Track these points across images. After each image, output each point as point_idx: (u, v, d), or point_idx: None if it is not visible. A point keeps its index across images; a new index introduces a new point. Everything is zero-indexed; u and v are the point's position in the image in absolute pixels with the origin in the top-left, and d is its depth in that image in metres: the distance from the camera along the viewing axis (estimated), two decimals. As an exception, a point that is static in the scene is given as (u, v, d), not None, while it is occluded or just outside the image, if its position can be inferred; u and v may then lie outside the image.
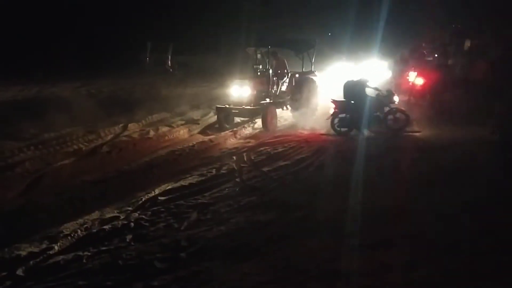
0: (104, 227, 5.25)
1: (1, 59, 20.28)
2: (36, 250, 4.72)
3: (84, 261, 4.40)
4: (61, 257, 4.54)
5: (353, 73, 17.58)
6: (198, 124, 12.08)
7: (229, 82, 11.90)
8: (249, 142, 9.88)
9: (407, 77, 12.49)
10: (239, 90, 11.39)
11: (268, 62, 12.26)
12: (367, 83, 10.09)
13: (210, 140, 10.03)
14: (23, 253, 4.65)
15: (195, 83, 19.51)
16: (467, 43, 15.26)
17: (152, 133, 10.97)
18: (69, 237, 5.03)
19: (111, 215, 5.66)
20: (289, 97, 12.25)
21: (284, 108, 12.34)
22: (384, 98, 9.99)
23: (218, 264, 4.18)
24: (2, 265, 4.40)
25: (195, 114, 13.31)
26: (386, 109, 10.01)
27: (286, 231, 4.84)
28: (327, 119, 10.33)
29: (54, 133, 10.52)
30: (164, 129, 11.46)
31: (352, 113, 9.93)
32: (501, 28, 14.08)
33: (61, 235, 5.08)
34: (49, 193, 6.69)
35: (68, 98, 15.03)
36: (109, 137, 10.54)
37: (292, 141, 9.36)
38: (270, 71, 11.82)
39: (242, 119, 12.07)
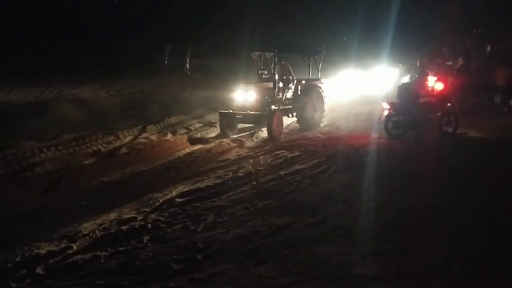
0: (122, 227, 5.30)
1: (23, 61, 20.64)
2: (55, 249, 4.79)
3: (102, 261, 4.45)
4: (79, 256, 4.59)
5: (362, 80, 17.51)
6: (215, 127, 12.12)
7: (233, 86, 11.54)
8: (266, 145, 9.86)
9: (427, 82, 12.29)
10: (244, 95, 10.99)
11: (273, 67, 11.90)
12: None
13: (227, 143, 10.06)
14: (43, 251, 4.72)
15: (212, 86, 19.59)
16: (488, 48, 15.05)
17: (170, 135, 11.05)
18: (87, 237, 5.09)
19: (129, 216, 5.71)
20: (295, 104, 11.78)
21: (290, 115, 11.88)
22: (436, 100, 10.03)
23: (234, 266, 4.18)
24: (23, 263, 4.48)
25: (213, 117, 13.36)
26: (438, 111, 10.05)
27: (302, 235, 4.82)
28: (381, 121, 10.19)
29: (73, 134, 10.67)
30: (182, 131, 11.53)
31: (406, 115, 9.87)
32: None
33: (80, 234, 5.14)
34: (68, 193, 6.78)
35: (87, 100, 15.24)
36: (127, 139, 10.65)
37: (309, 144, 9.33)
38: (276, 76, 11.43)
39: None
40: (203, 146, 9.91)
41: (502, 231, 4.69)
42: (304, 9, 26.43)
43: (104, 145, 9.99)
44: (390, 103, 10.10)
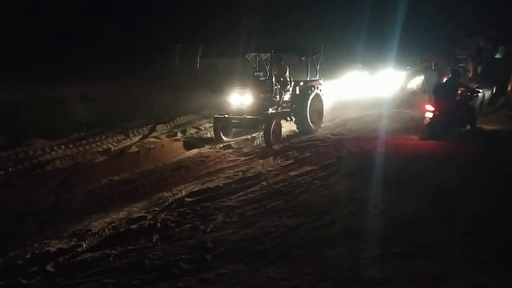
0: (131, 226, 5.31)
1: (34, 60, 20.81)
2: (65, 246, 4.81)
3: (111, 259, 4.46)
4: (88, 254, 4.61)
5: (368, 83, 17.38)
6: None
7: (228, 89, 11.05)
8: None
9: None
10: (239, 99, 10.52)
11: (269, 68, 11.29)
12: (461, 82, 10.28)
13: (236, 143, 10.05)
14: (53, 249, 4.75)
15: (223, 86, 19.59)
16: (501, 49, 14.92)
17: (179, 134, 11.06)
18: (97, 235, 5.11)
19: (139, 214, 5.72)
20: (293, 106, 11.29)
21: (288, 119, 11.36)
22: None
23: (243, 267, 4.16)
24: (33, 261, 4.51)
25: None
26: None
27: (312, 237, 4.79)
28: (425, 123, 9.97)
29: (84, 132, 10.75)
30: (192, 131, 11.54)
31: (450, 115, 9.83)
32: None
33: (89, 233, 5.16)
34: (78, 192, 6.82)
35: (98, 98, 15.29)
36: (137, 138, 10.70)
37: (320, 145, 9.29)
38: (273, 78, 10.86)
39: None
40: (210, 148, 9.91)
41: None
42: (311, 11, 26.40)
43: (114, 143, 10.04)
44: (434, 104, 9.93)
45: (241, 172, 7.51)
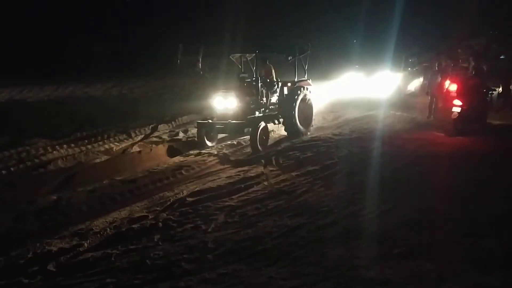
0: (133, 226, 5.31)
1: (37, 59, 20.85)
2: (66, 246, 4.82)
3: (113, 259, 4.46)
4: (90, 254, 4.61)
5: (364, 84, 17.27)
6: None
7: (212, 93, 10.52)
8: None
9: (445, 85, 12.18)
10: (224, 102, 9.92)
11: (255, 70, 10.79)
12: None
13: (239, 143, 10.04)
14: (54, 248, 4.75)
15: (225, 85, 19.59)
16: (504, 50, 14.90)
17: (181, 134, 11.06)
18: (98, 235, 5.12)
19: (140, 214, 5.72)
20: (281, 109, 10.74)
21: (276, 121, 10.77)
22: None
23: (244, 267, 4.16)
24: (34, 260, 4.51)
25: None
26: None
27: (314, 237, 4.78)
28: (453, 117, 10.16)
29: (86, 132, 10.76)
30: (193, 130, 11.54)
31: (476, 109, 10.27)
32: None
33: (91, 232, 5.17)
34: (80, 191, 6.82)
35: (100, 98, 15.34)
36: (139, 138, 10.70)
37: (322, 145, 9.28)
38: (259, 80, 10.33)
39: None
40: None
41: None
42: (310, 12, 26.38)
43: (116, 143, 10.05)
44: (462, 99, 10.18)
45: (242, 172, 7.51)
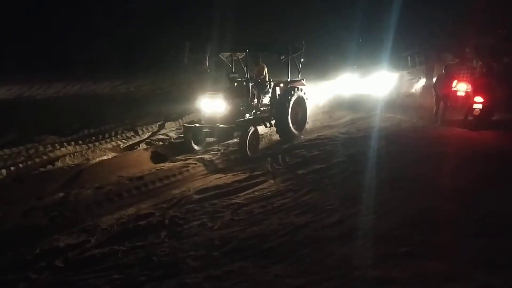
0: (140, 223, 5.35)
1: (46, 57, 20.98)
2: (74, 242, 4.86)
3: (120, 255, 4.50)
4: (97, 250, 4.65)
5: (360, 85, 16.93)
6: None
7: (199, 94, 9.82)
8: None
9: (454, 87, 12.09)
10: (212, 105, 9.27)
11: (246, 69, 10.15)
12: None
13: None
14: (62, 244, 4.79)
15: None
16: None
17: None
18: (105, 231, 5.15)
19: (147, 211, 5.76)
20: (273, 111, 10.13)
21: (267, 124, 10.12)
22: None
23: (250, 264, 4.17)
24: (42, 256, 4.55)
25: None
26: None
27: (320, 235, 4.79)
28: (475, 114, 10.54)
29: (93, 129, 10.81)
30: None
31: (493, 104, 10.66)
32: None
33: (98, 229, 5.20)
34: (87, 188, 6.86)
35: (107, 95, 15.40)
36: (146, 135, 10.73)
37: (328, 144, 9.27)
38: (250, 80, 9.79)
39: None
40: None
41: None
42: (309, 12, 26.29)
43: (123, 140, 10.08)
44: (483, 95, 10.50)
45: (248, 170, 7.53)
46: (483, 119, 10.40)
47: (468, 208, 5.40)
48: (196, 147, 9.39)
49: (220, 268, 4.11)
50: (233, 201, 6.02)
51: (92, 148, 9.23)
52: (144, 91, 18.46)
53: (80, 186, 6.99)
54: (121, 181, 7.28)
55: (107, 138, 10.13)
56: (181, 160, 8.52)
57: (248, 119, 9.63)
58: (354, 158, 8.02)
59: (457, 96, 11.84)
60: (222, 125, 8.95)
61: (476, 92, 10.72)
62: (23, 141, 9.28)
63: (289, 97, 9.97)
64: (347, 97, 15.87)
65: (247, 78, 9.81)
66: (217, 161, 8.45)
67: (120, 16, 23.70)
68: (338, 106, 14.54)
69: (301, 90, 10.47)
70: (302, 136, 10.22)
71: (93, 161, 8.33)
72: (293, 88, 10.23)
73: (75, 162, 8.28)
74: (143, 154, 9.11)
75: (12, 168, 7.78)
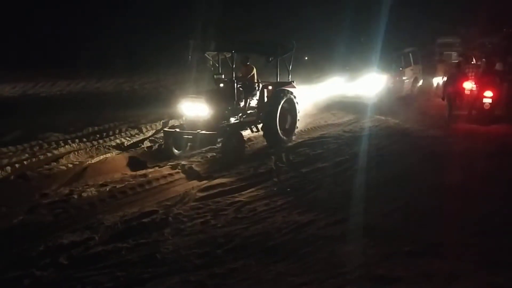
0: (144, 220, 5.35)
1: (50, 55, 21.05)
2: (77, 239, 4.86)
3: (123, 252, 4.50)
4: (101, 247, 4.66)
5: (349, 88, 16.38)
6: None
7: (180, 97, 9.14)
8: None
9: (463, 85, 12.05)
10: (194, 109, 8.69)
11: (233, 70, 9.33)
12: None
13: (249, 139, 10.03)
14: (66, 241, 4.80)
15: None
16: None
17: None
18: (109, 229, 5.16)
19: (151, 209, 5.76)
20: (260, 114, 9.53)
21: (254, 128, 9.57)
22: None
23: (253, 262, 4.18)
24: (46, 253, 4.56)
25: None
26: None
27: (323, 234, 4.79)
28: (485, 108, 11.07)
29: (97, 127, 10.82)
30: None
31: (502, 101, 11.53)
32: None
33: (102, 226, 5.21)
34: (91, 185, 6.87)
35: (111, 93, 15.42)
36: (150, 133, 10.74)
37: (332, 142, 9.26)
38: (235, 82, 9.23)
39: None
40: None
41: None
42: (304, 15, 26.18)
43: (127, 138, 10.09)
44: (492, 90, 11.03)
45: (252, 168, 7.53)
46: (492, 113, 11.00)
47: (472, 207, 5.39)
48: (177, 152, 8.78)
49: (223, 266, 4.11)
50: (237, 198, 6.03)
51: (96, 146, 9.24)
52: (148, 89, 18.48)
53: (84, 184, 7.00)
54: (125, 178, 7.29)
55: (111, 136, 10.13)
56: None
57: (233, 123, 9.15)
58: (357, 156, 8.01)
59: (464, 93, 11.92)
60: (204, 132, 8.36)
61: (484, 87, 11.23)
62: (28, 139, 9.29)
63: (278, 99, 9.36)
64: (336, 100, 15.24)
65: (234, 79, 9.25)
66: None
67: (123, 13, 23.74)
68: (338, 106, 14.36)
69: (291, 93, 9.79)
70: (289, 143, 9.52)
71: (97, 159, 8.34)
72: (282, 91, 9.59)
73: (79, 160, 8.30)
74: (147, 151, 9.11)
75: (16, 165, 7.79)
